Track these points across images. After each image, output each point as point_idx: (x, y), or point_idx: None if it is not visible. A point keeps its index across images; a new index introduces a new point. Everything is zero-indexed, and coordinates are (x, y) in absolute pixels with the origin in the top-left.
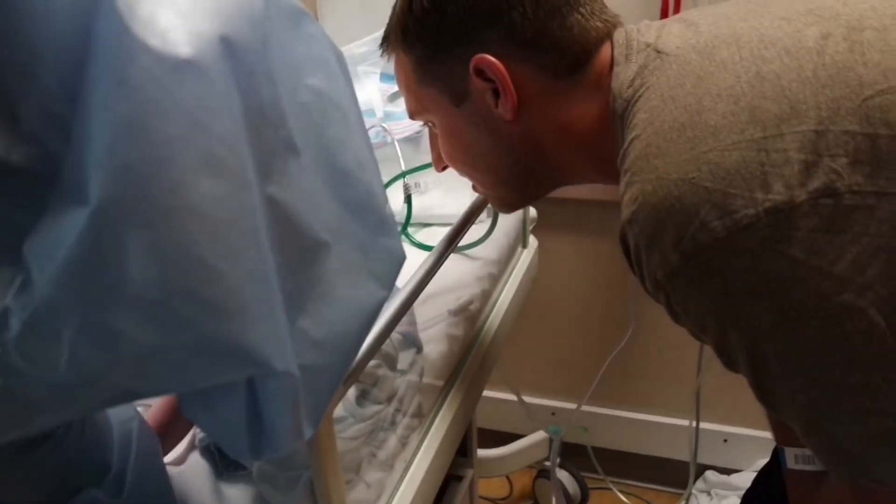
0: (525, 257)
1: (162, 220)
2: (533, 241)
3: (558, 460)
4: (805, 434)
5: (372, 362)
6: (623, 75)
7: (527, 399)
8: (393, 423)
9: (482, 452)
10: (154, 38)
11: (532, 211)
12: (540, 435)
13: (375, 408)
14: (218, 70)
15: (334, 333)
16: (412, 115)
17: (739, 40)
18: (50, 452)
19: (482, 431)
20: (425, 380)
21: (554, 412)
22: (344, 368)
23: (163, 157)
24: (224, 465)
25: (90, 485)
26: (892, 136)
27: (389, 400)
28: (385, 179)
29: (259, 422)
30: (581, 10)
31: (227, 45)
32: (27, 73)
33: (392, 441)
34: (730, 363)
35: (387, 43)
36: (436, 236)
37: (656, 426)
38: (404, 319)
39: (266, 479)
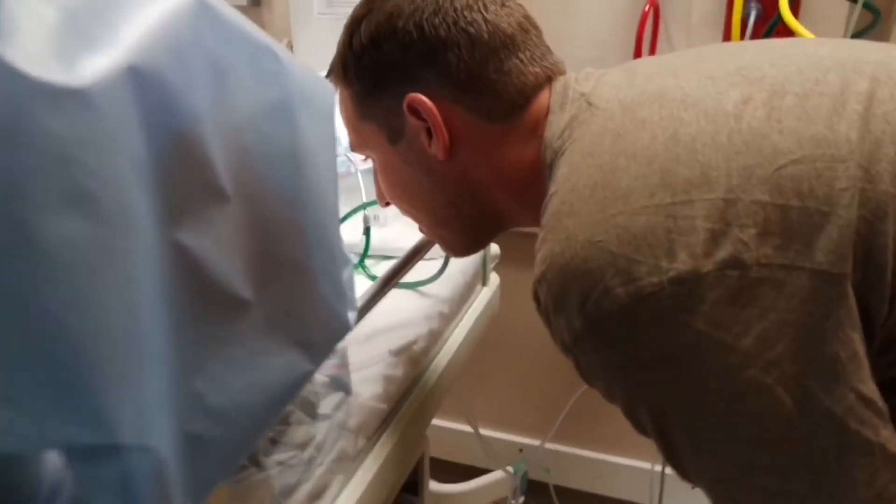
0: (484, 295)
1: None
2: (494, 278)
3: (522, 499)
4: None
5: None
6: (555, 125)
7: (494, 435)
8: (307, 471)
9: (442, 487)
10: (29, 62)
11: (494, 248)
12: (502, 472)
13: (283, 456)
14: (114, 102)
15: (236, 404)
16: (353, 149)
17: (663, 98)
18: None
19: (449, 465)
20: (354, 423)
21: (521, 448)
22: (245, 444)
23: (10, 187)
24: None
25: None
26: (804, 208)
27: (303, 447)
28: (346, 210)
29: (125, 492)
30: (521, 55)
31: (137, 77)
32: None
33: (306, 488)
34: (642, 431)
35: (332, 75)
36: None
37: (621, 468)
38: (332, 362)
39: None
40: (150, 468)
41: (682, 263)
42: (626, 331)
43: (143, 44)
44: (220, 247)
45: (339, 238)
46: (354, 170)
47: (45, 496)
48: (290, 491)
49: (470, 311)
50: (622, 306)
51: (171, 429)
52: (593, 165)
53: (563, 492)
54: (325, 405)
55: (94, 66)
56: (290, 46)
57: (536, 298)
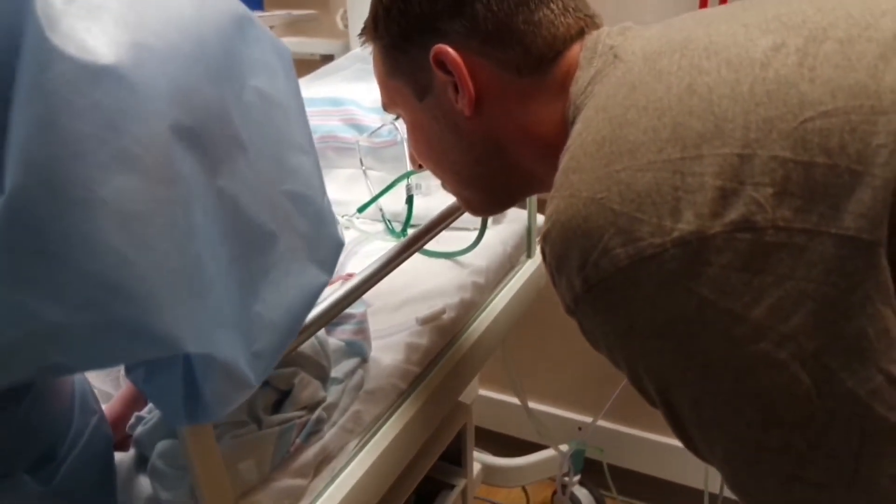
0: (528, 268)
1: (72, 210)
2: None
3: (578, 477)
4: (731, 489)
5: (289, 369)
6: (581, 80)
7: (551, 411)
8: (316, 432)
9: (493, 459)
10: (72, 47)
11: (540, 219)
12: (557, 450)
13: (285, 415)
14: (139, 76)
15: (285, 316)
16: (385, 108)
17: (686, 47)
18: None
19: (512, 440)
20: (370, 388)
21: (580, 427)
22: (289, 340)
23: (74, 152)
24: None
25: (27, 471)
26: (832, 166)
27: (312, 408)
28: (391, 178)
29: (195, 390)
30: (552, 5)
31: (152, 54)
32: None
33: (314, 450)
34: (651, 402)
35: (364, 33)
36: (435, 239)
37: (677, 451)
38: (349, 328)
39: (156, 476)
40: (215, 371)
41: (686, 224)
42: (626, 294)
43: (151, 26)
44: (248, 190)
45: (318, 172)
46: (400, 138)
47: (70, 439)
48: (297, 450)
49: (512, 282)
50: (621, 268)
51: (242, 348)
52: (604, 119)
53: (616, 471)
54: (340, 369)
55: (112, 45)
56: (346, 16)
57: (544, 258)
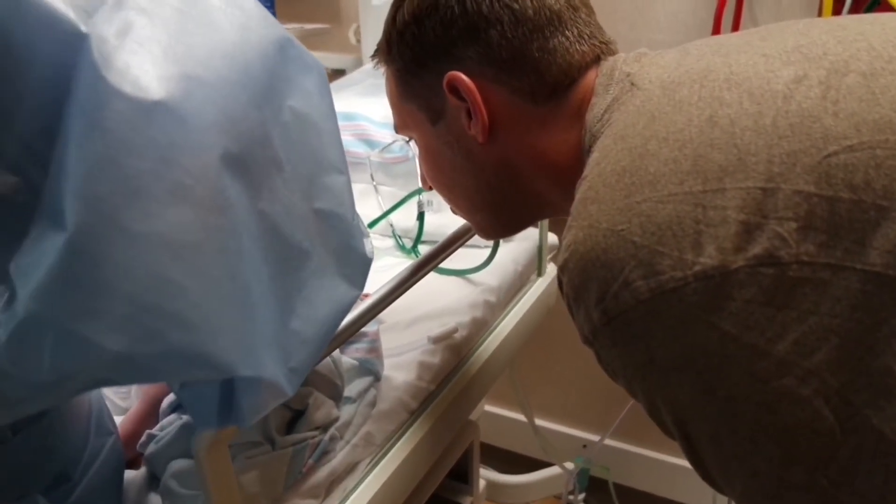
0: (539, 286)
1: (131, 245)
2: (552, 268)
3: (583, 496)
4: None
5: (303, 388)
6: (597, 107)
7: (557, 429)
8: (329, 452)
9: (498, 477)
10: (127, 84)
11: (552, 238)
12: (563, 467)
13: (299, 436)
14: (189, 108)
15: (318, 331)
16: (397, 130)
17: (706, 77)
18: None
19: (516, 457)
20: (383, 408)
21: (585, 444)
22: (320, 354)
23: (133, 188)
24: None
25: (41, 491)
26: (856, 202)
27: (325, 428)
28: (403, 194)
29: (230, 399)
30: (567, 32)
31: (201, 84)
32: (9, 112)
33: (326, 470)
34: (668, 434)
35: (378, 54)
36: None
37: (684, 471)
38: (362, 346)
39: (169, 496)
40: (257, 388)
41: (708, 258)
42: (646, 328)
43: (198, 56)
44: (284, 209)
45: (350, 189)
46: (411, 154)
47: (86, 460)
48: (310, 470)
49: (522, 300)
50: (642, 301)
51: (280, 366)
52: (623, 149)
53: (622, 490)
54: (353, 388)
55: (162, 79)
56: (359, 31)
57: (561, 287)
